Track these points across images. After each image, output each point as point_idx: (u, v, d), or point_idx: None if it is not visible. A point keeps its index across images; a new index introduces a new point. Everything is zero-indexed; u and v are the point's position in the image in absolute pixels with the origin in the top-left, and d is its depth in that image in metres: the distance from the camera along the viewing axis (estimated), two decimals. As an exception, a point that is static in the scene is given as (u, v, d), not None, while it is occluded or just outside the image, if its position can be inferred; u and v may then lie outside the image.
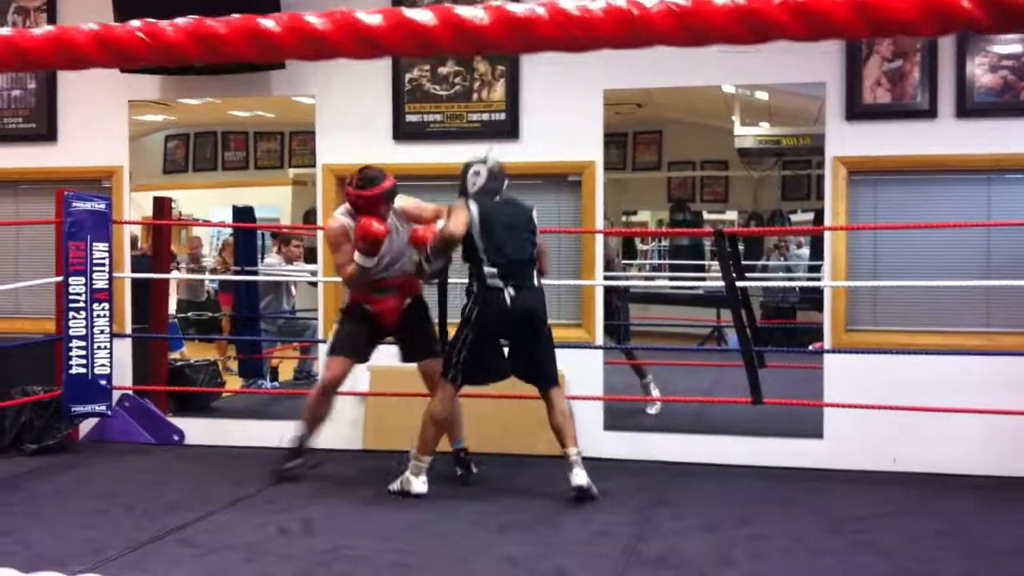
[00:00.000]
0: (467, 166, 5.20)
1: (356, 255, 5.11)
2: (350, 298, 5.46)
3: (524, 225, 5.11)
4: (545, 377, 5.14)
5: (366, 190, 5.10)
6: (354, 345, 5.35)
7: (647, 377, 7.01)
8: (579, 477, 4.96)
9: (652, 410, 6.87)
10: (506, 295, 4.94)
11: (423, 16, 0.94)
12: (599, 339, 6.29)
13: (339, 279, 5.54)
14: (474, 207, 5.01)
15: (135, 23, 1.01)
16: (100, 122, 6.77)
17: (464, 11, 0.93)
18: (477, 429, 5.97)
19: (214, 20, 0.99)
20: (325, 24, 0.95)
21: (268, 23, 0.97)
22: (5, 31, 1.04)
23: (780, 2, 0.86)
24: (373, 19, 0.95)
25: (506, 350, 5.17)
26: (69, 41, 1.02)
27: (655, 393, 6.95)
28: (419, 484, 5.04)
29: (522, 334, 5.08)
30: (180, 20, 1.00)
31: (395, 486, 5.08)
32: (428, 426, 5.08)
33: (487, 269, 4.96)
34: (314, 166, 6.61)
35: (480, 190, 5.09)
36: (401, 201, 5.27)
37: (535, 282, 5.08)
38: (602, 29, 0.91)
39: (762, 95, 7.90)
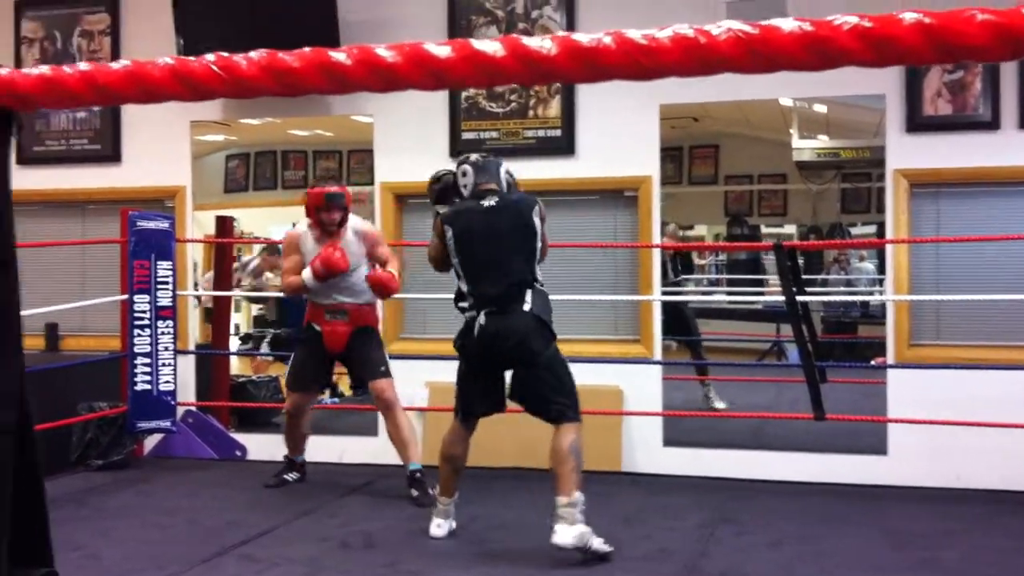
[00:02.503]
0: (456, 166, 4.65)
1: (306, 272, 5.25)
2: (305, 318, 5.55)
3: (512, 234, 4.39)
4: (544, 412, 4.39)
5: (313, 188, 5.36)
6: (307, 376, 5.53)
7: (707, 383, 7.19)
8: (560, 534, 4.15)
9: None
10: (476, 324, 4.36)
11: (491, 47, 0.95)
12: (657, 354, 6.27)
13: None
14: (449, 232, 4.44)
15: (209, 57, 1.03)
16: (163, 143, 6.91)
17: (531, 42, 0.94)
18: (530, 446, 5.97)
19: (286, 54, 1.01)
20: (395, 57, 0.96)
21: (339, 56, 0.98)
22: (84, 66, 1.07)
23: (848, 28, 0.86)
24: (442, 51, 0.96)
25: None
26: (145, 76, 1.04)
27: (719, 405, 7.02)
28: (434, 527, 4.61)
29: (505, 364, 4.43)
30: (253, 54, 1.02)
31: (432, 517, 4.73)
32: (440, 464, 4.65)
33: (463, 302, 4.48)
34: (372, 184, 6.67)
35: (471, 194, 4.50)
36: (365, 226, 5.45)
37: (524, 303, 4.33)
38: (669, 57, 0.91)
39: (820, 107, 7.84)
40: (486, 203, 4.42)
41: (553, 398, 4.34)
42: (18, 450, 1.14)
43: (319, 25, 6.09)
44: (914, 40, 0.84)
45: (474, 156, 4.60)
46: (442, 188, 4.76)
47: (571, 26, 6.27)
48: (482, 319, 4.34)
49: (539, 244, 4.43)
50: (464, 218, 4.45)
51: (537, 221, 4.42)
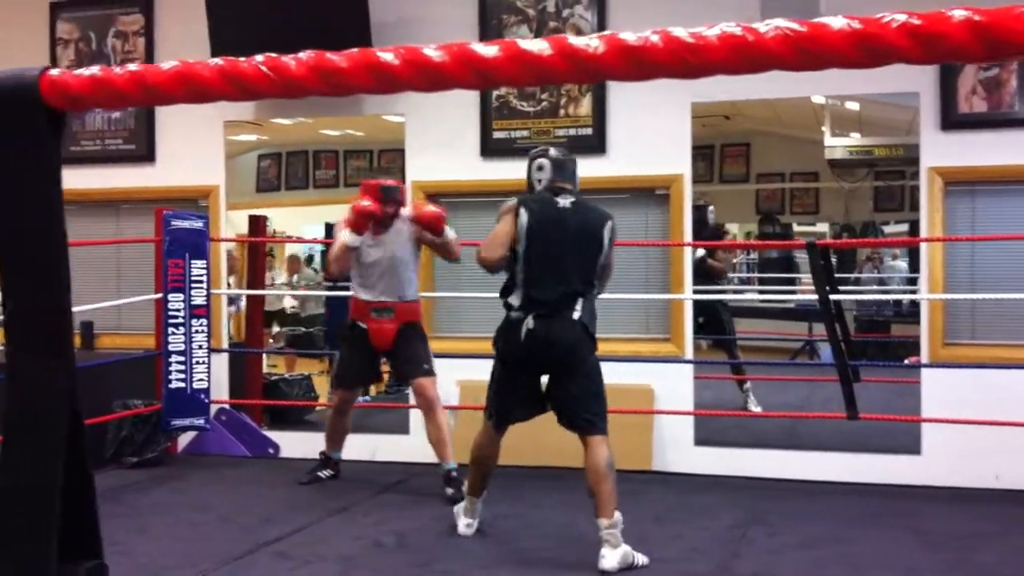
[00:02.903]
0: (531, 159, 4.49)
1: (343, 232, 5.25)
2: (349, 316, 5.56)
3: (583, 242, 4.29)
4: (576, 422, 4.30)
5: (369, 180, 5.39)
6: (351, 376, 5.60)
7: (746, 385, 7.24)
8: (608, 559, 4.08)
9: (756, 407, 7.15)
10: (523, 327, 4.22)
11: (538, 47, 0.96)
12: (688, 353, 6.25)
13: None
14: (525, 216, 4.27)
15: (258, 58, 1.05)
16: (197, 143, 6.96)
17: (578, 41, 0.94)
18: (566, 446, 5.98)
19: (334, 54, 1.02)
20: (442, 57, 0.97)
21: (387, 56, 0.99)
22: (133, 67, 1.09)
23: (898, 25, 0.86)
24: (489, 51, 0.97)
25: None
26: (195, 76, 1.06)
27: (755, 409, 7.00)
28: (462, 525, 4.62)
29: (546, 370, 4.30)
30: (302, 55, 1.03)
31: (456, 508, 4.77)
32: (471, 466, 4.60)
33: (512, 298, 4.32)
34: (403, 183, 6.69)
35: (545, 188, 4.37)
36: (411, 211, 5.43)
37: (574, 311, 4.22)
38: (716, 55, 0.91)
39: (853, 105, 7.79)
40: (562, 202, 4.30)
41: (587, 406, 4.26)
42: (69, 445, 1.16)
43: (351, 26, 6.11)
44: (963, 37, 0.85)
45: (553, 151, 4.46)
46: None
47: (602, 25, 6.26)
48: (530, 322, 4.22)
49: (602, 260, 4.33)
50: (540, 208, 4.30)
51: (607, 237, 4.32)
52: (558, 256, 4.25)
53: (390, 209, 5.27)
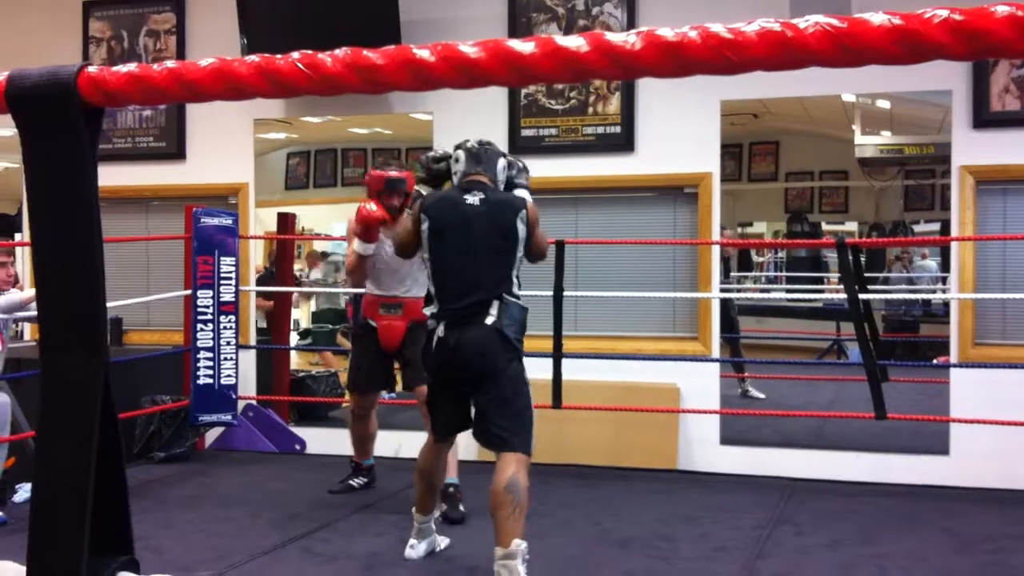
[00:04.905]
0: (453, 151, 4.25)
1: (355, 242, 5.03)
2: (363, 313, 5.40)
3: (490, 240, 3.96)
4: (485, 437, 3.99)
5: (375, 170, 5.15)
6: (362, 378, 5.39)
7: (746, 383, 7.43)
8: None
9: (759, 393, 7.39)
10: (435, 336, 3.97)
11: (575, 43, 0.95)
12: (715, 352, 6.23)
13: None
14: (425, 224, 4.04)
15: (295, 55, 1.06)
16: (227, 141, 7.00)
17: (615, 37, 0.94)
18: (592, 444, 5.99)
19: (371, 51, 1.02)
20: (479, 53, 0.97)
21: (423, 53, 0.99)
22: (171, 64, 1.10)
23: (940, 21, 0.86)
24: (526, 47, 0.97)
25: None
26: (232, 73, 1.07)
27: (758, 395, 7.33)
28: (408, 547, 4.32)
29: (460, 382, 4.00)
30: (338, 52, 1.03)
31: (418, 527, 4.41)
32: (416, 480, 4.29)
33: (428, 308, 4.07)
34: (411, 174, 6.67)
35: (458, 182, 4.11)
36: None
37: (487, 316, 3.90)
38: (755, 51, 0.91)
39: (883, 103, 7.72)
40: (470, 200, 3.99)
41: (497, 421, 3.90)
42: (103, 441, 1.17)
43: (381, 25, 6.14)
44: (1008, 33, 0.84)
45: (471, 142, 4.17)
46: (438, 173, 4.46)
47: (631, 22, 6.25)
48: (441, 331, 3.95)
49: (520, 252, 4.02)
50: (443, 211, 4.04)
51: (522, 227, 3.98)
52: (466, 261, 3.96)
53: (396, 202, 5.05)
